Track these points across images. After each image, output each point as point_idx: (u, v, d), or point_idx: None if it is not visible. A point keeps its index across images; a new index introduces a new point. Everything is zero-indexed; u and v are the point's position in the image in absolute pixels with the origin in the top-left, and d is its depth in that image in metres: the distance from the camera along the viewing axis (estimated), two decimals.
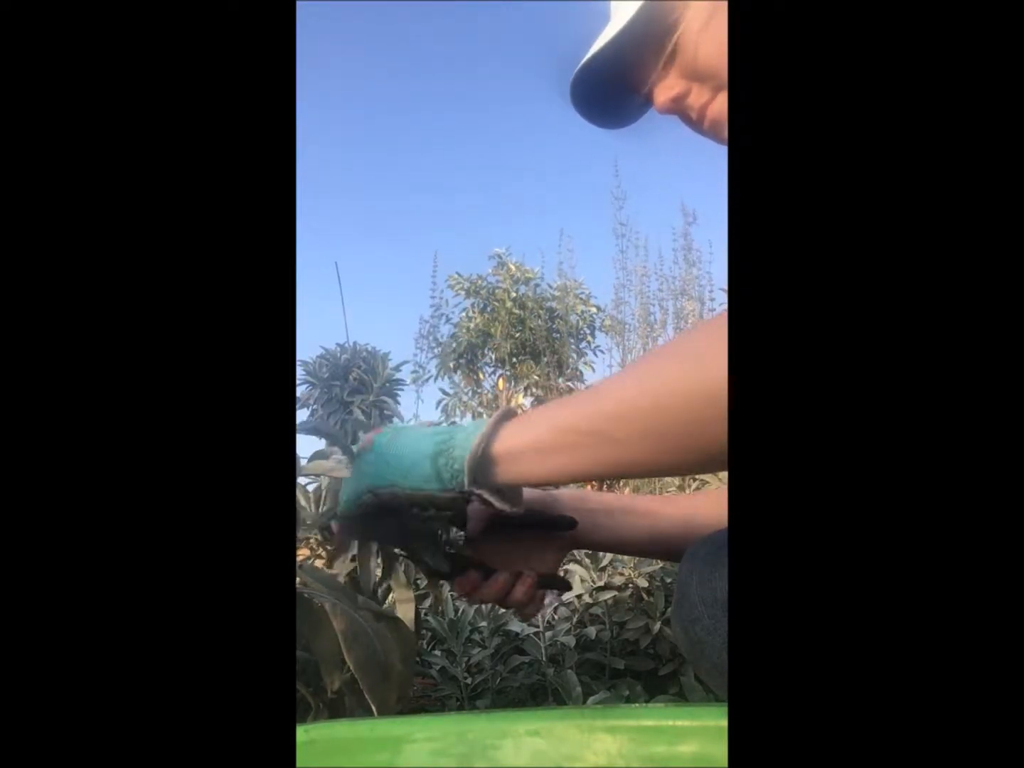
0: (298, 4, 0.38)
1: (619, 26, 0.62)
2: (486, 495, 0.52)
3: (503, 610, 1.18)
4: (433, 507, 0.56)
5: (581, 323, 3.91)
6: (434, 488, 0.53)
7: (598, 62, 0.64)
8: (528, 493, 0.67)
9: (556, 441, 0.48)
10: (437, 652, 1.17)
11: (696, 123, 0.67)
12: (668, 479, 1.99)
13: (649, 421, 0.43)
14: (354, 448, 0.60)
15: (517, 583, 0.66)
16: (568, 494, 0.74)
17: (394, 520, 0.60)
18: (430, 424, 0.62)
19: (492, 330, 3.81)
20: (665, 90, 0.65)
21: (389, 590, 1.02)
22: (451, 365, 3.90)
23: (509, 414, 0.53)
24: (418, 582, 1.29)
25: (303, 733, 0.39)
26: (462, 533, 0.68)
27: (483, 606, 1.23)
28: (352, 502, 0.58)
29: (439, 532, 0.66)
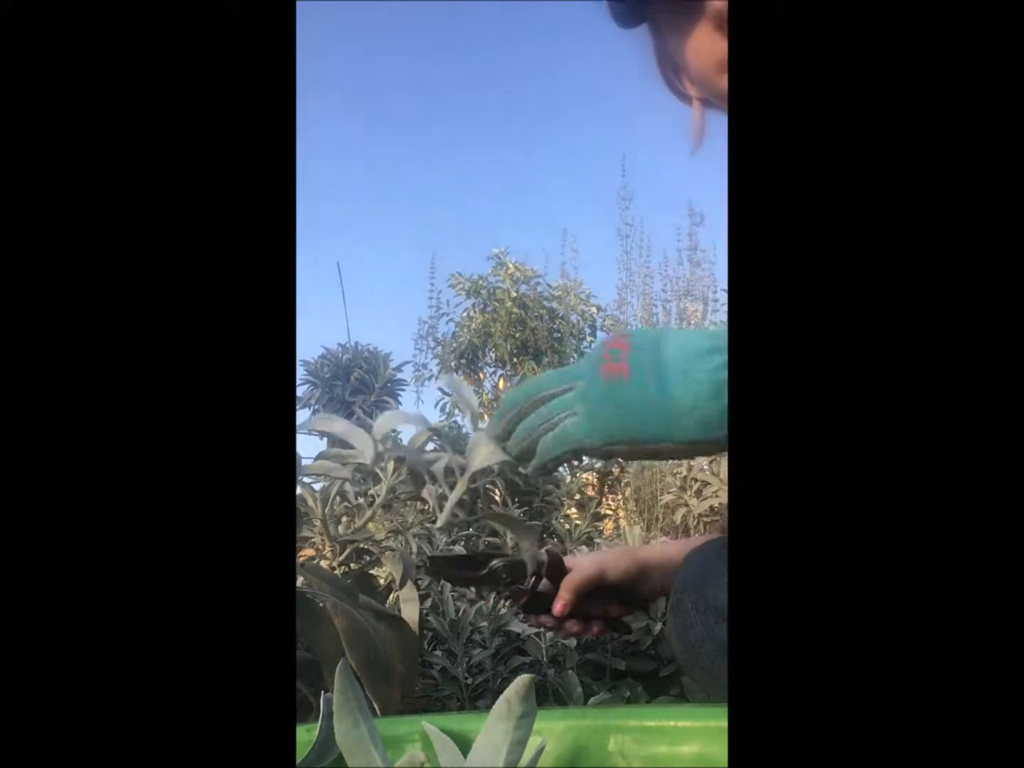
0: (298, 4, 0.38)
1: None
2: None
3: (504, 611, 1.18)
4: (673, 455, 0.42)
5: (582, 323, 3.90)
6: (697, 438, 0.40)
7: None
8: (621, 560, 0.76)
9: None
10: (438, 652, 1.16)
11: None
12: (670, 479, 1.99)
13: None
14: (586, 377, 0.44)
15: (581, 625, 0.76)
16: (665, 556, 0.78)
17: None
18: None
19: (492, 330, 3.80)
20: None
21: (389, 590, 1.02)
22: (452, 365, 3.89)
23: None
24: (419, 582, 1.29)
25: (303, 733, 0.39)
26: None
27: (483, 606, 1.23)
28: (558, 457, 0.42)
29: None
